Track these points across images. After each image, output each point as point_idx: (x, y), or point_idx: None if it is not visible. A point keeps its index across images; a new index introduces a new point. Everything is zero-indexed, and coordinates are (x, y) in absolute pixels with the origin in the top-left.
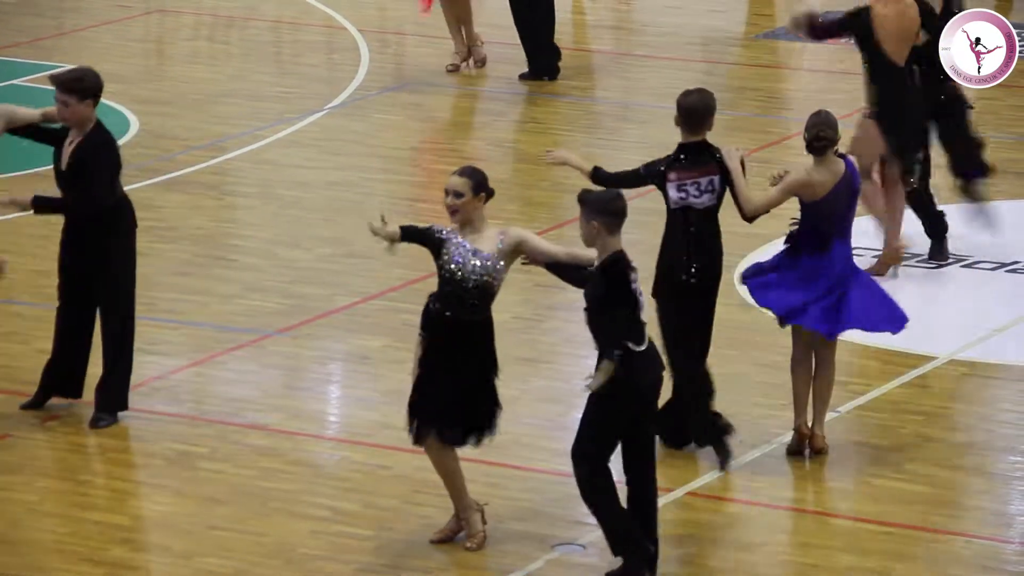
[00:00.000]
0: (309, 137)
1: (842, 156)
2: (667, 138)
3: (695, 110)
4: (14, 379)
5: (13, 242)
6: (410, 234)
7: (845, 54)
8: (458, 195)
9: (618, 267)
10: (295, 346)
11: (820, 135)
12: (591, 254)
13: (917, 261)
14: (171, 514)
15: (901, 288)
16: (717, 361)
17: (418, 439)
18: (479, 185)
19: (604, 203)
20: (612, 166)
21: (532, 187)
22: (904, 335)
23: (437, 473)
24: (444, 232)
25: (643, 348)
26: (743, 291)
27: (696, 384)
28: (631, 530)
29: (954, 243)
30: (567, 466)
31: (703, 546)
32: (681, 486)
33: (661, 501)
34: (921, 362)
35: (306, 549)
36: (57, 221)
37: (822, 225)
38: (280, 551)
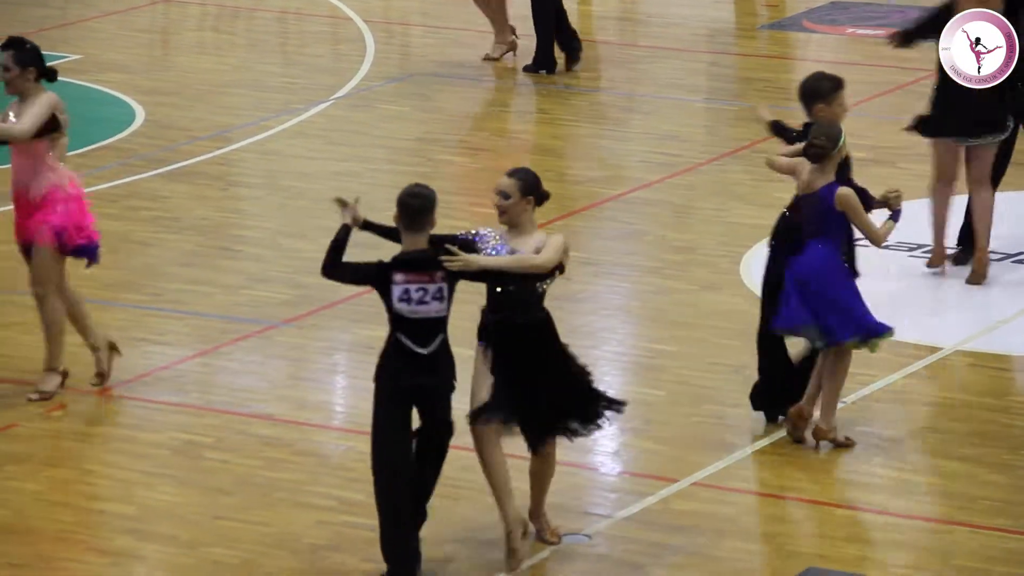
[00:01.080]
0: (314, 128)
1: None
2: (672, 129)
3: (801, 89)
4: (20, 368)
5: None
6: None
7: (851, 44)
8: (505, 196)
9: (387, 265)
10: (300, 336)
11: (812, 142)
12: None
13: (923, 252)
14: (176, 504)
15: (908, 279)
16: (723, 353)
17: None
18: (528, 187)
19: (401, 196)
20: (617, 158)
21: None
22: (911, 326)
23: (481, 466)
24: (479, 236)
25: (419, 351)
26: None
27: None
28: (395, 543)
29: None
30: (572, 456)
31: (708, 536)
32: (686, 476)
33: (666, 492)
34: (927, 353)
35: (312, 539)
36: None
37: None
38: (285, 541)
